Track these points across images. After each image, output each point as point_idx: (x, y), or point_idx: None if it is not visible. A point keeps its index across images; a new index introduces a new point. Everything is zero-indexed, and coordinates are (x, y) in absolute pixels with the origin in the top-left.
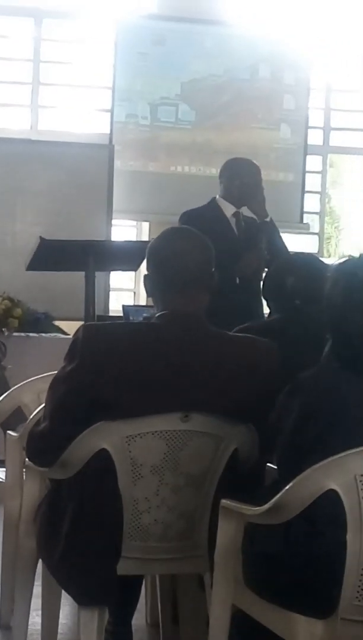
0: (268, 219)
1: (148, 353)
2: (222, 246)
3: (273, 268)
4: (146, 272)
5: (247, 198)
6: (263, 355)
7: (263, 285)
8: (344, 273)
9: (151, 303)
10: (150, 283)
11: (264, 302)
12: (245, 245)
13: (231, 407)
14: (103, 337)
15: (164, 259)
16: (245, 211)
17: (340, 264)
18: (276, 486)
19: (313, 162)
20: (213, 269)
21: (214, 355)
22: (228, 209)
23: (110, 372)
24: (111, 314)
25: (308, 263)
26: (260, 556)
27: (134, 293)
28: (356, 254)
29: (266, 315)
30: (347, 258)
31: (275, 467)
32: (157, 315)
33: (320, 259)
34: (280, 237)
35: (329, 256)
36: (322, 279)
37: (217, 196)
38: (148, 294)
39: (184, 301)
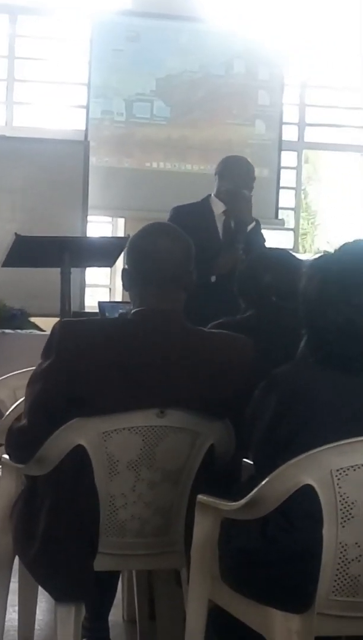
0: (252, 225)
1: (124, 349)
2: (203, 243)
3: (247, 264)
4: (125, 266)
5: (230, 202)
6: (238, 352)
7: (237, 281)
8: (319, 269)
9: (127, 299)
10: (128, 277)
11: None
12: (226, 245)
13: (208, 403)
14: (79, 333)
15: (144, 254)
16: None
17: (315, 259)
18: (253, 482)
19: (288, 158)
20: (192, 268)
21: (190, 352)
22: (218, 207)
23: (86, 368)
24: (86, 310)
25: (283, 259)
26: (237, 551)
27: (110, 289)
28: (331, 250)
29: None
30: (322, 254)
31: (251, 462)
32: (133, 311)
33: (295, 254)
34: (263, 240)
35: (304, 252)
36: (297, 274)
37: (212, 193)
38: (125, 288)
39: (161, 298)
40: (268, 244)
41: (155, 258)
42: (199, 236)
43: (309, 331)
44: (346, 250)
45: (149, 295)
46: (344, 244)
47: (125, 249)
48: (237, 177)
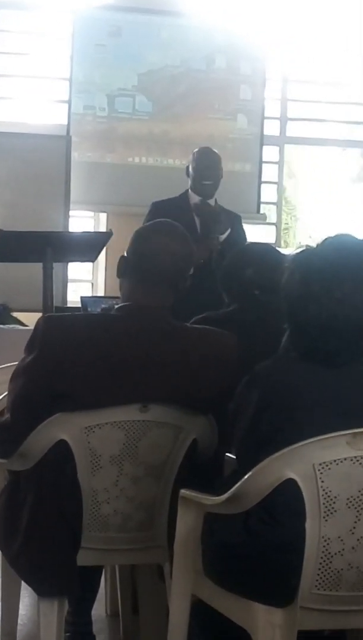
0: (212, 202)
1: (108, 345)
2: None
3: (230, 258)
4: (125, 254)
5: (195, 184)
6: (222, 347)
7: (220, 275)
8: (301, 263)
9: (109, 294)
10: (125, 266)
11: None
12: (203, 237)
13: (191, 398)
14: (63, 328)
15: (148, 252)
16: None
17: (297, 254)
18: (236, 476)
19: (270, 153)
20: (189, 275)
21: (173, 347)
22: (195, 199)
23: (69, 363)
24: (69, 305)
25: (265, 253)
26: (219, 546)
27: (92, 284)
28: (313, 244)
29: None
30: (304, 248)
31: (234, 457)
32: (118, 306)
33: (277, 249)
34: (244, 235)
35: (286, 246)
36: (279, 269)
37: (189, 188)
38: (118, 275)
39: (150, 296)
40: (250, 239)
41: (157, 259)
42: None
43: (291, 326)
44: (328, 244)
45: (140, 291)
46: (326, 239)
47: (131, 236)
48: (203, 169)
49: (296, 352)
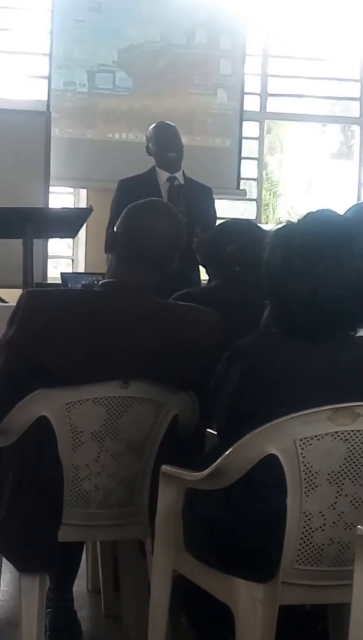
0: (180, 175)
1: (90, 321)
2: None
3: (211, 234)
4: (115, 229)
5: (160, 158)
6: (205, 324)
7: (202, 251)
8: (283, 239)
9: (89, 270)
10: (113, 242)
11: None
12: None
13: (172, 375)
14: (46, 303)
15: (138, 230)
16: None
17: (278, 229)
18: (217, 452)
19: (250, 128)
20: (176, 257)
21: (155, 324)
22: (162, 176)
23: (51, 337)
24: (49, 281)
25: (246, 229)
26: (201, 521)
27: (72, 260)
28: (293, 220)
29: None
30: (284, 223)
31: (215, 432)
32: (101, 282)
33: (258, 224)
34: (214, 210)
35: (266, 222)
36: (260, 245)
37: (154, 164)
38: (106, 250)
39: (135, 273)
40: (230, 215)
41: (146, 237)
42: None
43: (273, 301)
44: (309, 220)
45: (126, 268)
46: (307, 214)
47: (123, 214)
48: (163, 142)
49: (278, 328)
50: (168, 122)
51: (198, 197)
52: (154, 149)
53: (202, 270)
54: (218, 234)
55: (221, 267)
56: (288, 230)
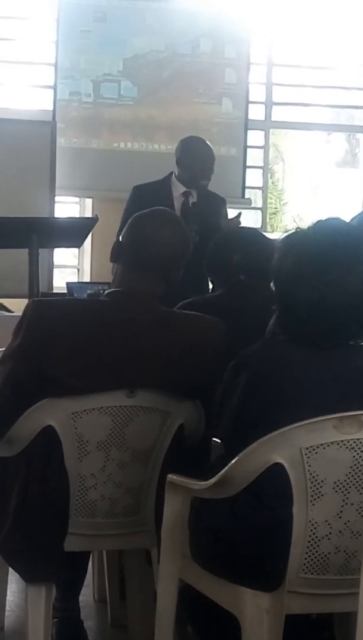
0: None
1: (95, 330)
2: None
3: (215, 243)
4: (120, 238)
5: (194, 183)
6: (209, 333)
7: (206, 260)
8: (294, 245)
9: (95, 279)
10: (119, 251)
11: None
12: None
13: (178, 384)
14: (52, 312)
15: (143, 239)
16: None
17: (288, 236)
18: (223, 460)
19: (255, 137)
20: (182, 266)
21: (161, 333)
22: (178, 188)
23: (57, 348)
24: (55, 291)
25: (251, 238)
26: (207, 530)
27: (78, 270)
28: (302, 227)
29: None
30: (295, 230)
31: (221, 441)
32: (107, 292)
33: (263, 233)
34: (227, 215)
35: (272, 231)
36: (265, 253)
37: (174, 173)
38: (112, 259)
39: (141, 282)
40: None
41: (152, 246)
42: None
43: (281, 308)
44: (320, 227)
45: (132, 277)
46: (317, 222)
47: (128, 222)
48: (200, 168)
49: (285, 334)
50: (207, 143)
51: (211, 211)
52: (188, 168)
53: None
54: (222, 243)
55: (227, 275)
56: (300, 237)
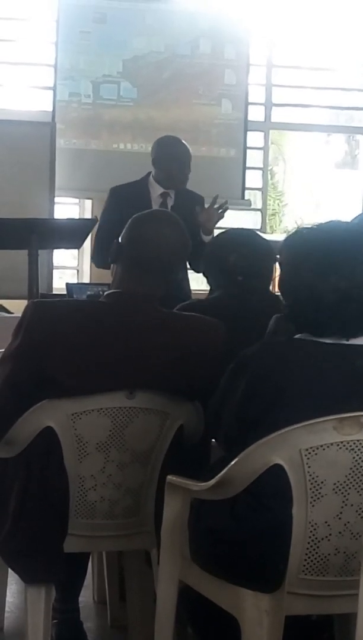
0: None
1: (95, 331)
2: None
3: (212, 244)
4: (119, 239)
5: (171, 184)
6: (209, 334)
7: (204, 262)
8: (317, 238)
9: (94, 281)
10: (118, 252)
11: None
12: None
13: (177, 385)
14: (51, 313)
15: (143, 239)
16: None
17: (309, 229)
18: (223, 461)
19: (255, 138)
20: (181, 267)
21: (160, 334)
22: (156, 189)
23: (56, 349)
24: (54, 292)
25: (248, 239)
26: (206, 531)
27: (78, 271)
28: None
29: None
30: (311, 226)
31: (222, 442)
32: (107, 293)
33: (259, 234)
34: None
35: (272, 232)
36: (262, 254)
37: (152, 173)
38: (111, 260)
39: (141, 283)
40: (235, 225)
41: (152, 247)
42: (131, 216)
43: (302, 299)
44: (334, 225)
45: (131, 278)
46: (329, 221)
47: (127, 223)
48: (173, 169)
49: (304, 327)
50: (181, 140)
51: (189, 211)
52: (165, 169)
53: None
54: (219, 244)
55: (224, 277)
56: (330, 227)
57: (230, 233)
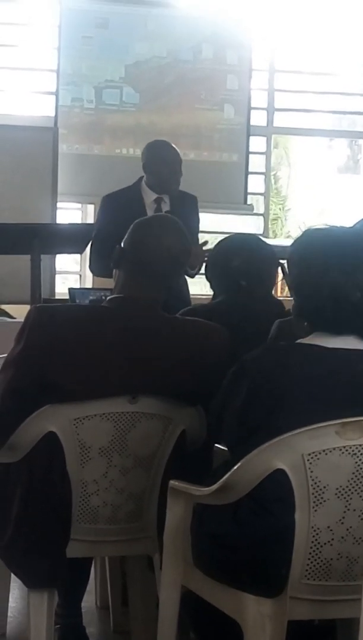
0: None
1: (98, 336)
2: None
3: (216, 249)
4: (122, 244)
5: (163, 189)
6: (212, 339)
7: (207, 267)
8: (332, 236)
9: (97, 286)
10: (121, 257)
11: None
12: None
13: (180, 390)
14: (53, 319)
15: (145, 245)
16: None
17: (315, 229)
18: (226, 466)
19: (257, 143)
20: (182, 272)
21: (163, 339)
22: (149, 195)
23: (59, 354)
24: (57, 297)
25: (251, 243)
26: (209, 536)
27: (80, 276)
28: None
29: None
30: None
31: (223, 447)
32: (109, 298)
33: (263, 239)
34: (197, 220)
35: (274, 237)
36: (266, 258)
37: (144, 178)
38: (113, 265)
39: (143, 288)
40: (237, 230)
41: (154, 252)
42: (126, 221)
43: (326, 294)
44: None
45: (133, 283)
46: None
47: (129, 229)
48: (163, 173)
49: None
50: (171, 144)
51: (183, 213)
52: (156, 174)
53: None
54: (223, 249)
55: (227, 281)
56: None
57: (234, 238)
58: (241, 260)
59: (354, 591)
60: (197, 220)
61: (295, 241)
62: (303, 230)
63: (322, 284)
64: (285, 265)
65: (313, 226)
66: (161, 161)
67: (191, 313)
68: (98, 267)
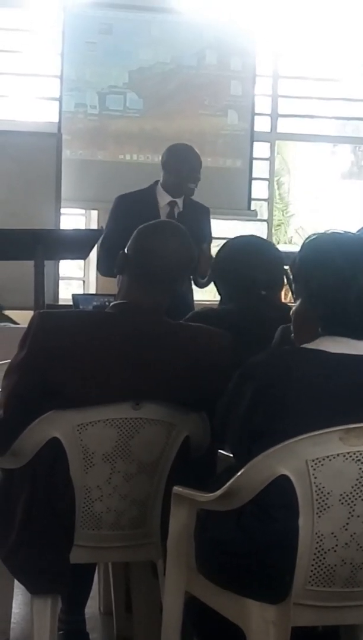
0: (179, 200)
1: (101, 342)
2: None
3: (226, 252)
4: (125, 250)
5: (181, 188)
6: (216, 345)
7: (221, 272)
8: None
9: (101, 291)
10: (124, 263)
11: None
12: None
13: (184, 396)
14: (57, 324)
15: (149, 251)
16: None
17: (327, 235)
18: (230, 472)
19: (261, 149)
20: (186, 277)
21: (167, 345)
22: (163, 198)
23: (62, 360)
24: (60, 302)
25: (260, 248)
26: (212, 542)
27: (84, 282)
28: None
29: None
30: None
31: (227, 453)
32: (113, 304)
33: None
34: (210, 231)
35: (278, 242)
36: (281, 266)
37: (159, 181)
38: (117, 271)
39: (147, 294)
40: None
41: (158, 259)
42: (139, 225)
43: (335, 306)
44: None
45: (137, 289)
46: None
47: (133, 234)
48: (189, 171)
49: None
50: (196, 151)
51: (196, 220)
52: (176, 171)
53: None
54: (242, 257)
55: (241, 287)
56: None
57: (245, 242)
58: (265, 270)
59: (358, 597)
60: (209, 230)
61: (307, 247)
62: (308, 236)
63: (349, 290)
64: (289, 270)
65: (320, 232)
66: (183, 159)
67: (198, 317)
68: (106, 267)
